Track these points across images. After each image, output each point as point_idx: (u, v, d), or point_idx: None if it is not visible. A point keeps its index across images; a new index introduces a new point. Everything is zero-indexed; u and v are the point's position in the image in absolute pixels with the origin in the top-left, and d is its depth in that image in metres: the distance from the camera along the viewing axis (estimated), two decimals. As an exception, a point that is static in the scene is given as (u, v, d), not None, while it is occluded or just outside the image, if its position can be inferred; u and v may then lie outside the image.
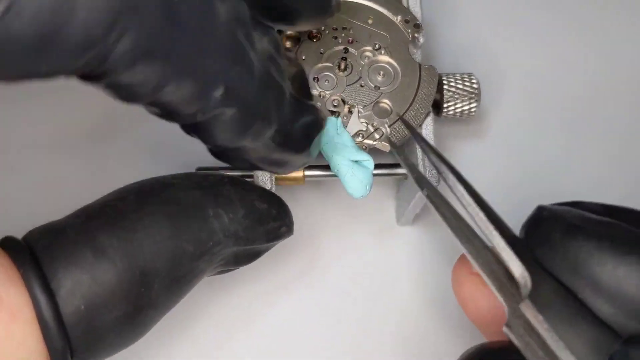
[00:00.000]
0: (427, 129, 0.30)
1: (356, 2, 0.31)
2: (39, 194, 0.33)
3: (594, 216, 0.22)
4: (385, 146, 0.29)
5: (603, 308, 0.20)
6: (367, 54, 0.31)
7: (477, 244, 0.23)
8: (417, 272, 0.33)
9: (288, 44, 0.31)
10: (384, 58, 0.31)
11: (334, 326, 0.32)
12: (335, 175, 0.29)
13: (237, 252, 0.25)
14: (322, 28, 0.31)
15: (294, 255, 0.33)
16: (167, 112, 0.20)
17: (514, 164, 0.36)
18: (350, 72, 0.30)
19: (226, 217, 0.23)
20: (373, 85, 0.30)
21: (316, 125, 0.25)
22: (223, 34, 0.19)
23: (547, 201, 0.34)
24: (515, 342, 0.20)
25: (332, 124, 0.29)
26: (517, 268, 0.21)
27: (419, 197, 0.30)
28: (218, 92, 0.19)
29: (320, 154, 0.29)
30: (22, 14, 0.14)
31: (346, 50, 0.31)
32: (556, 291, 0.21)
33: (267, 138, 0.22)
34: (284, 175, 0.30)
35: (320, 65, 0.30)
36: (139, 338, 0.23)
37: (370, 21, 0.31)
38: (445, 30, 0.38)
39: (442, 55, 0.37)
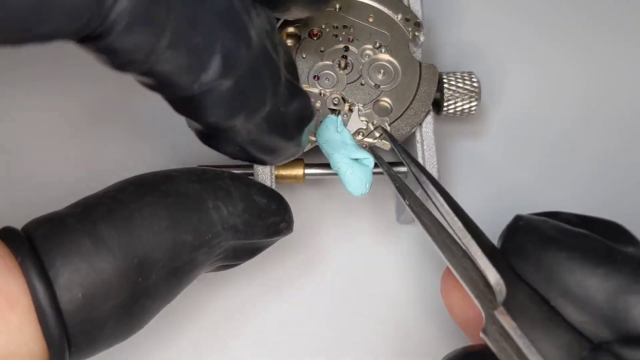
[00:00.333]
0: (427, 128, 0.30)
1: (357, 1, 0.31)
2: (39, 191, 0.33)
3: (568, 227, 0.23)
4: (385, 144, 0.29)
5: (574, 315, 0.21)
6: (368, 52, 0.31)
7: (457, 252, 0.24)
8: (417, 270, 0.33)
9: (289, 42, 0.31)
10: (384, 56, 0.31)
11: (333, 325, 0.32)
12: (335, 174, 0.29)
13: (236, 246, 0.25)
14: (323, 26, 0.31)
15: (293, 253, 0.33)
16: (161, 84, 0.20)
17: (514, 162, 0.36)
18: (351, 71, 0.30)
19: (225, 210, 0.23)
20: (373, 84, 0.30)
21: (308, 113, 0.25)
22: (221, 1, 0.19)
23: (546, 199, 0.35)
24: (492, 347, 0.21)
25: (332, 122, 0.29)
26: (492, 276, 0.22)
27: (420, 195, 0.29)
28: (215, 62, 0.19)
29: (319, 151, 0.29)
30: None
31: (346, 49, 0.31)
32: (531, 298, 0.22)
33: (260, 118, 0.22)
34: (284, 173, 0.30)
35: (320, 63, 0.30)
36: (137, 330, 0.23)
37: (370, 19, 0.31)
38: (445, 29, 0.38)
39: (443, 54, 0.37)
